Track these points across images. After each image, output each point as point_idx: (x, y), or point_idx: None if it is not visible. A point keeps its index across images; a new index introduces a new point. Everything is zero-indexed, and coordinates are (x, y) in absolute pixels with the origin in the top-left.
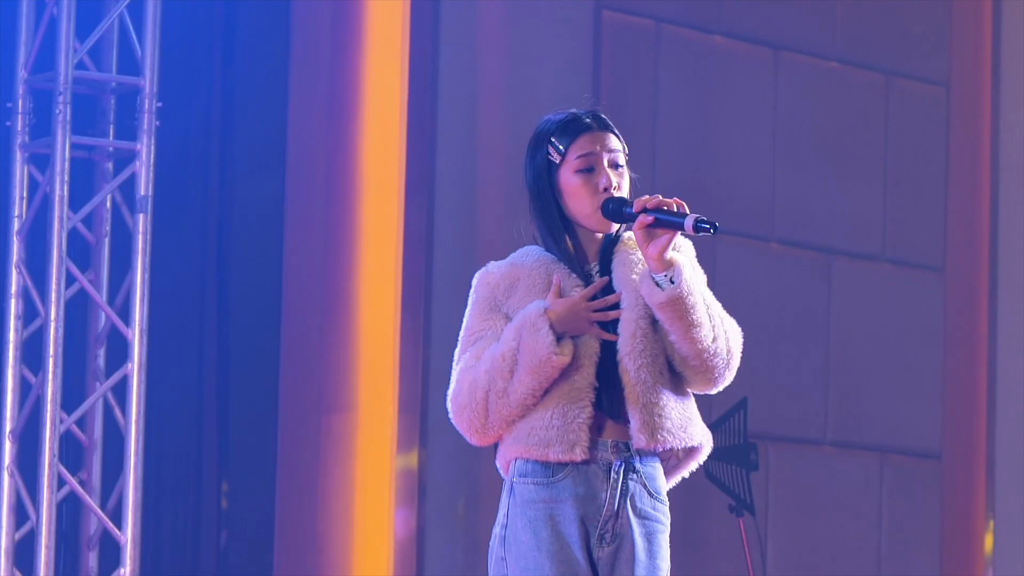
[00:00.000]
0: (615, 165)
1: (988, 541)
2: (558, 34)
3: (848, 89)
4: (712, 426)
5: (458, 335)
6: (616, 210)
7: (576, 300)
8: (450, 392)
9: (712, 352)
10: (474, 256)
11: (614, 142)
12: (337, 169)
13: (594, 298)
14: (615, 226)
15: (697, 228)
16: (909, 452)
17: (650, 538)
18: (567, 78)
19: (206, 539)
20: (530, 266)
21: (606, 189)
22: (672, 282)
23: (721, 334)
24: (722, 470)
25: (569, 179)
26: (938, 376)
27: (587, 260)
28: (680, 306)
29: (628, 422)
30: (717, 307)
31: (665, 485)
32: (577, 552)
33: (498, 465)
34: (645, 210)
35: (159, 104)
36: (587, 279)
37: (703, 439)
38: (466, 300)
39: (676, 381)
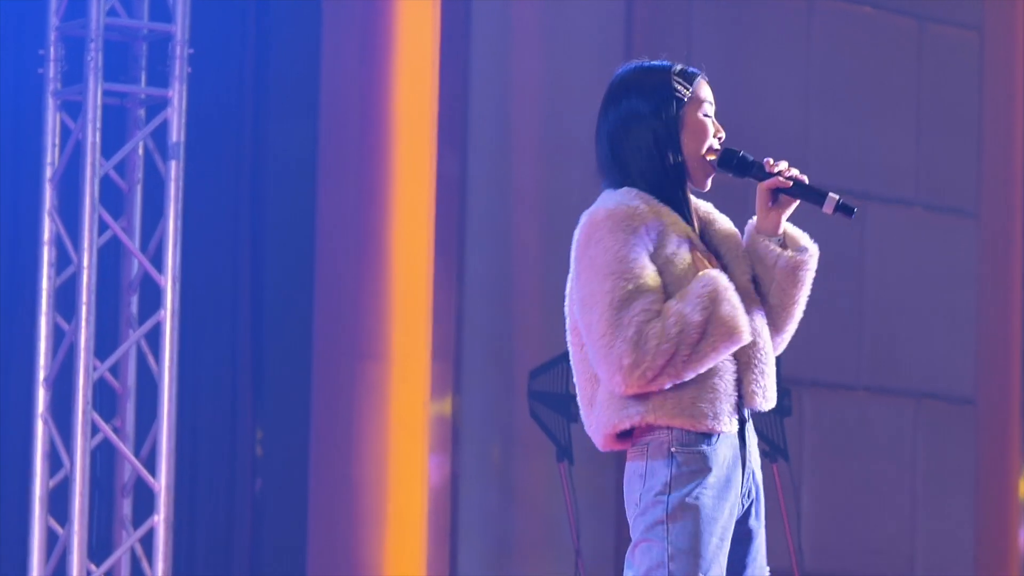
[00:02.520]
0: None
1: (1023, 486)
2: None
3: (881, 34)
4: None
5: (490, 282)
6: (741, 164)
7: None
8: (621, 333)
9: (796, 321)
10: (508, 201)
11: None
12: (370, 114)
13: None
14: (708, 181)
15: (837, 209)
16: (943, 397)
17: (760, 484)
18: (601, 21)
19: (241, 486)
20: (671, 221)
21: (720, 139)
22: (783, 246)
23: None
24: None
25: (695, 117)
26: (972, 321)
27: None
28: (808, 270)
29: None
30: None
31: None
32: (733, 518)
33: (625, 424)
34: (780, 175)
35: (191, 50)
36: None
37: None
38: (498, 247)
39: None
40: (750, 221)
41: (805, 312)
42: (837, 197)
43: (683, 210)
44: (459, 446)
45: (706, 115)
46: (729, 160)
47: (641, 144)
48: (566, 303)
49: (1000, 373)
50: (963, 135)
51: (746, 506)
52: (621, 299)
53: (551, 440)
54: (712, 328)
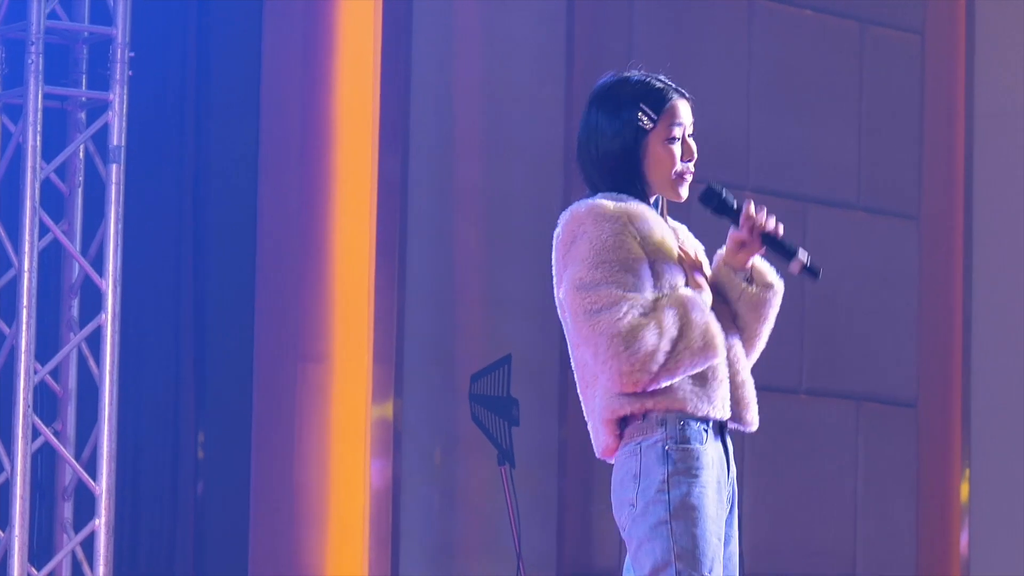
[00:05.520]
0: (690, 135)
1: (964, 489)
2: None
3: (823, 37)
4: None
5: (432, 284)
6: (720, 207)
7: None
8: (613, 337)
9: (759, 350)
10: (449, 203)
11: (690, 112)
12: (311, 116)
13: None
14: (681, 193)
15: (804, 270)
16: (885, 400)
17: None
18: (542, 23)
19: (183, 490)
20: (652, 216)
21: (689, 160)
22: (749, 280)
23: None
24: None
25: (658, 148)
26: (913, 324)
27: None
28: (770, 307)
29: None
30: None
31: None
32: (724, 519)
33: (625, 410)
34: (754, 228)
35: (131, 54)
36: None
37: None
38: (440, 250)
39: None
40: (719, 252)
41: None
42: (804, 260)
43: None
44: (400, 449)
45: (672, 140)
46: (709, 200)
47: (606, 163)
48: (559, 309)
49: (941, 376)
50: (905, 138)
51: (729, 507)
52: (610, 296)
53: (492, 443)
54: (688, 340)
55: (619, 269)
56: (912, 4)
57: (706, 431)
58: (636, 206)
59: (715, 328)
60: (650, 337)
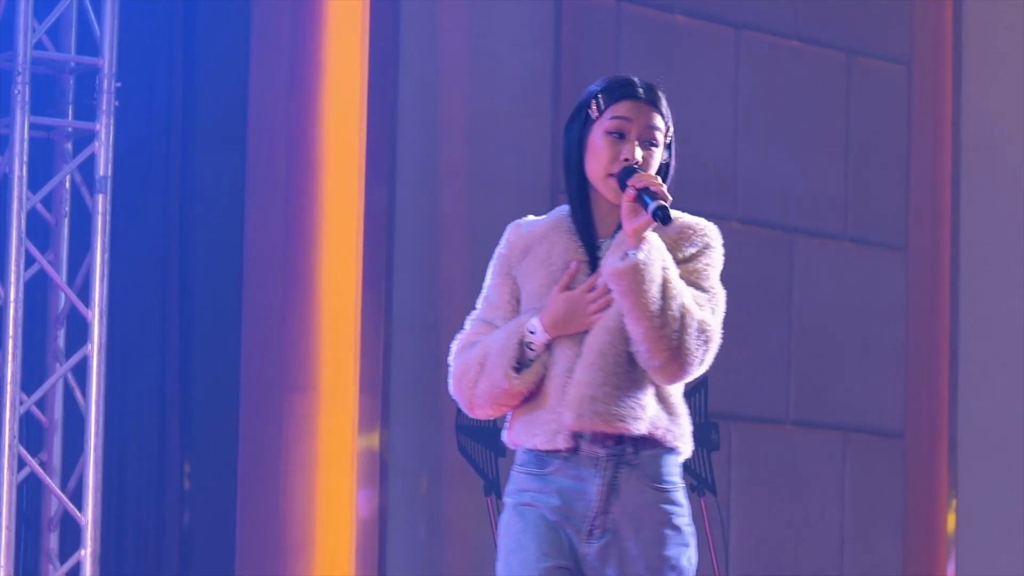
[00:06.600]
0: (648, 143)
1: (951, 520)
2: (519, 10)
3: (809, 68)
4: None
5: (418, 315)
6: (622, 180)
7: (576, 297)
8: (457, 342)
9: (656, 339)
10: (436, 235)
11: (655, 120)
12: (298, 148)
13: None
14: (615, 199)
15: (653, 215)
16: (872, 431)
17: (645, 531)
18: (528, 54)
19: (169, 520)
20: (542, 235)
21: (626, 160)
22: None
23: (673, 324)
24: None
25: (596, 137)
26: (901, 355)
27: (598, 233)
28: (629, 282)
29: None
30: (686, 299)
31: (672, 470)
32: (559, 541)
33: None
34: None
35: (118, 84)
36: (593, 253)
37: (657, 430)
38: (426, 280)
39: (637, 370)
40: None
41: (733, 346)
42: (656, 204)
43: (582, 227)
44: (387, 479)
45: (612, 134)
46: (620, 180)
47: (564, 160)
48: None
49: (928, 407)
50: (891, 169)
51: (592, 543)
52: (472, 316)
53: (479, 474)
54: (486, 365)
55: (484, 296)
56: (899, 34)
57: (546, 458)
58: (541, 226)
59: (497, 360)
60: (461, 366)
